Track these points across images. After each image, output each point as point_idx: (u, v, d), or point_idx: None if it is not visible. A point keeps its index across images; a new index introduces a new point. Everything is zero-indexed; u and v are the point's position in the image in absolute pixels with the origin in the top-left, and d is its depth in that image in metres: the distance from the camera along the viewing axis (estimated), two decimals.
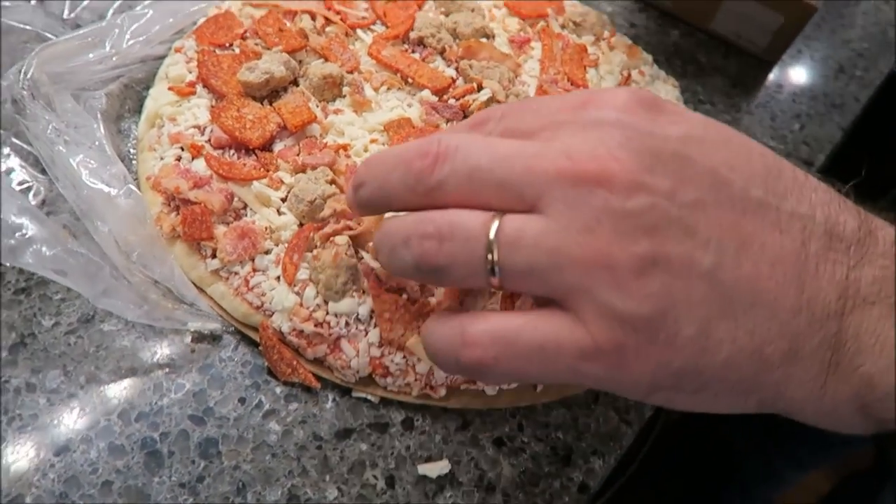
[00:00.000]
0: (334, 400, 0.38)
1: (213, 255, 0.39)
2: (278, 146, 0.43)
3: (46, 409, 0.35)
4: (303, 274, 0.39)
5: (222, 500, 0.34)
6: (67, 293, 0.39)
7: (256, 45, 0.48)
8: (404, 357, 0.38)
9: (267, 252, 0.39)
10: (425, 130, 0.46)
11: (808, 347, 0.26)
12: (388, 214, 0.33)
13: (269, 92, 0.45)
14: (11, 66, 0.42)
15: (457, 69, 0.50)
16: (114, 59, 0.46)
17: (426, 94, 0.48)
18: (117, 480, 0.34)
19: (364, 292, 0.39)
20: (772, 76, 0.65)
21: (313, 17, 0.51)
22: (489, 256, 0.26)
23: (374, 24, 0.52)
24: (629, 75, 0.56)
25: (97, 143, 0.41)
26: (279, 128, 0.43)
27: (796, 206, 0.27)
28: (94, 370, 0.37)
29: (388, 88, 0.48)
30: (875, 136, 0.70)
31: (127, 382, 0.37)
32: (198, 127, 0.43)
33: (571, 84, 0.52)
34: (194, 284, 0.40)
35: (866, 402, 0.26)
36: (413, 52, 0.51)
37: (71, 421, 0.35)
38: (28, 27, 0.47)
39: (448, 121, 0.47)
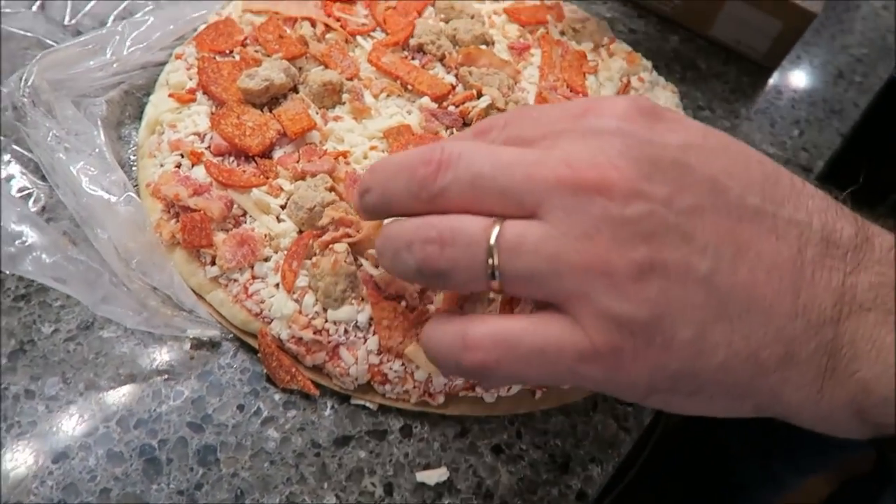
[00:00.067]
0: (333, 407, 0.38)
1: (213, 262, 0.39)
2: (278, 153, 0.43)
3: (45, 416, 0.35)
4: (302, 281, 0.39)
5: None
6: (67, 300, 0.39)
7: (256, 51, 0.48)
8: (403, 364, 0.38)
9: (266, 259, 0.40)
10: (425, 137, 0.46)
11: (804, 352, 0.26)
12: (386, 221, 0.33)
13: (269, 99, 0.45)
14: (12, 72, 0.43)
15: (456, 76, 0.50)
16: (114, 65, 0.46)
17: (426, 100, 0.48)
18: (115, 488, 0.34)
19: (363, 300, 0.39)
20: (771, 82, 0.66)
21: (313, 24, 0.51)
22: (490, 261, 0.26)
23: (374, 30, 0.52)
24: (628, 82, 0.56)
25: (97, 150, 0.41)
26: (279, 135, 0.43)
27: (793, 212, 0.27)
28: (93, 377, 0.37)
29: (388, 95, 0.48)
30: (874, 141, 0.70)
31: (126, 389, 0.37)
32: (198, 134, 0.44)
33: (571, 91, 0.52)
34: (193, 291, 0.40)
35: (863, 407, 0.27)
36: (413, 58, 0.51)
37: (70, 428, 0.35)
38: (29, 34, 0.47)
39: (448, 128, 0.47)
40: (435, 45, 0.51)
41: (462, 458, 0.38)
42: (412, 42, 0.52)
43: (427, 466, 0.38)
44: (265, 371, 0.38)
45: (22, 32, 0.47)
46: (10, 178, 0.42)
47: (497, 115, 0.38)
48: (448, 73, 0.51)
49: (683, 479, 0.92)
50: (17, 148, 0.43)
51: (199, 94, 0.46)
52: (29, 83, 0.42)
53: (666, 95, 0.58)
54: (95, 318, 0.39)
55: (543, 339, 0.26)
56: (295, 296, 0.38)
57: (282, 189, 0.42)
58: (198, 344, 0.39)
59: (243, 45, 0.49)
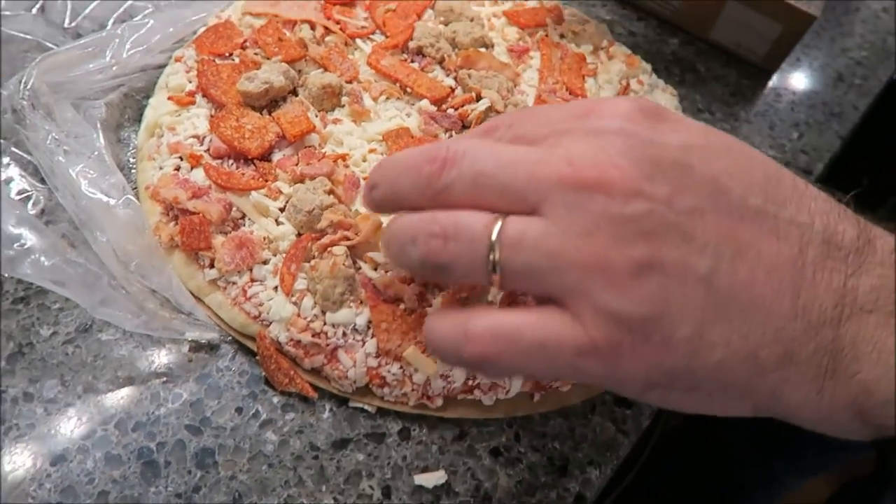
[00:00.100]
0: (331, 410, 0.38)
1: (211, 265, 0.39)
2: (277, 156, 0.43)
3: (43, 419, 0.35)
4: (300, 284, 0.39)
5: None
6: (65, 303, 0.39)
7: (256, 54, 0.48)
8: (401, 367, 0.38)
9: (265, 262, 0.40)
10: (424, 140, 0.46)
11: (804, 353, 0.26)
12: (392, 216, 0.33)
13: (269, 102, 0.45)
14: (12, 75, 0.43)
15: (456, 79, 0.50)
16: (114, 68, 0.46)
17: (425, 103, 0.48)
18: (113, 490, 0.34)
19: (361, 303, 0.39)
20: (771, 85, 0.65)
21: (313, 27, 0.51)
22: (491, 256, 0.27)
23: (373, 33, 0.52)
24: (628, 84, 0.56)
25: (96, 152, 0.42)
26: (278, 137, 0.43)
27: (795, 214, 0.27)
28: (92, 380, 0.37)
29: (387, 98, 0.48)
30: (874, 144, 0.70)
31: (124, 392, 0.37)
32: (197, 137, 0.44)
33: (570, 94, 0.52)
34: (192, 294, 0.40)
35: (864, 408, 0.27)
36: (412, 61, 0.51)
37: (68, 430, 0.35)
38: (29, 36, 0.47)
39: (447, 130, 0.47)
40: (434, 47, 0.51)
41: (460, 461, 0.38)
42: (411, 45, 0.52)
43: (425, 469, 0.38)
44: (263, 374, 0.38)
45: (22, 35, 0.47)
46: (9, 180, 0.42)
47: (503, 114, 0.39)
48: (447, 75, 0.51)
49: (683, 481, 0.92)
50: (17, 150, 0.43)
51: (198, 97, 0.46)
52: (28, 86, 0.42)
53: (665, 98, 0.58)
54: (94, 320, 0.39)
55: (543, 333, 0.27)
56: (293, 298, 0.39)
57: (281, 192, 0.42)
58: (196, 347, 0.39)
59: (243, 47, 0.49)
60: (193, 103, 0.46)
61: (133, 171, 0.45)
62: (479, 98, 0.49)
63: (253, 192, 0.41)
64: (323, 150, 0.44)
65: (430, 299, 0.39)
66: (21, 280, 0.39)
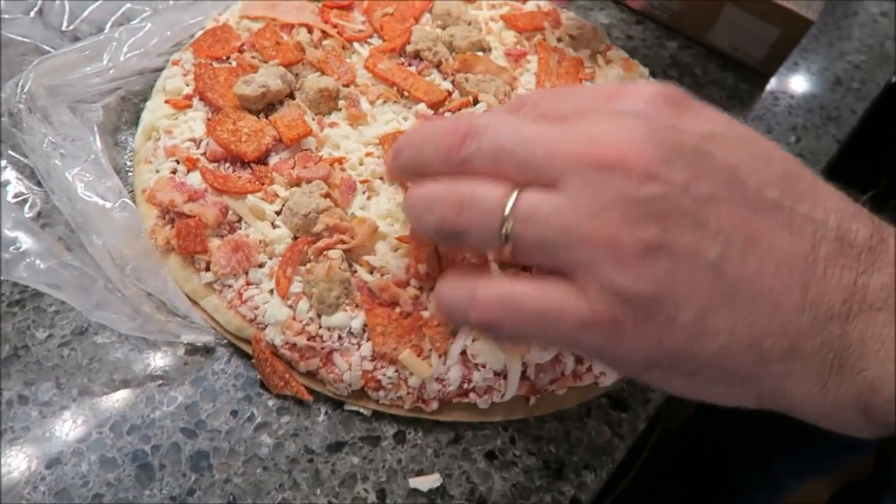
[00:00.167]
0: (326, 413, 0.39)
1: (207, 268, 0.39)
2: (274, 159, 0.44)
3: (38, 422, 0.35)
4: (296, 287, 0.39)
5: None
6: (61, 305, 0.39)
7: (253, 58, 0.48)
8: (397, 371, 0.38)
9: (261, 265, 0.40)
10: None
11: (810, 347, 0.26)
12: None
13: (266, 105, 0.45)
14: (9, 78, 0.43)
15: (453, 82, 0.51)
16: (111, 71, 0.46)
17: (422, 107, 0.48)
18: (108, 493, 0.34)
19: (357, 306, 0.39)
20: (768, 89, 0.65)
21: (310, 31, 0.51)
22: (503, 229, 0.28)
23: (370, 37, 0.52)
24: None
25: (93, 156, 0.42)
26: (275, 141, 0.44)
27: (810, 210, 0.28)
28: (87, 383, 0.37)
29: (384, 102, 0.48)
30: (872, 148, 0.70)
31: (119, 395, 0.37)
32: (194, 140, 0.44)
33: None
34: (188, 297, 0.40)
35: (869, 405, 0.27)
36: (409, 65, 0.51)
37: (63, 433, 0.35)
38: (27, 40, 0.47)
39: None
40: (431, 51, 0.51)
41: (455, 465, 0.38)
42: (409, 48, 0.52)
43: (420, 472, 0.38)
44: (259, 377, 0.38)
45: (20, 38, 0.47)
46: (5, 183, 0.42)
47: (531, 91, 0.41)
48: (444, 79, 0.51)
49: (683, 481, 0.92)
50: (13, 153, 0.43)
51: (195, 101, 0.46)
52: (25, 89, 0.42)
53: None
54: (90, 323, 0.39)
55: (548, 304, 0.28)
56: (289, 302, 0.39)
57: (277, 195, 0.42)
58: (192, 350, 0.39)
59: (240, 51, 0.49)
60: (190, 107, 0.46)
61: (130, 174, 0.45)
62: (476, 102, 0.49)
63: (249, 196, 0.41)
64: (319, 154, 0.44)
65: (426, 303, 0.39)
66: (17, 283, 0.39)
